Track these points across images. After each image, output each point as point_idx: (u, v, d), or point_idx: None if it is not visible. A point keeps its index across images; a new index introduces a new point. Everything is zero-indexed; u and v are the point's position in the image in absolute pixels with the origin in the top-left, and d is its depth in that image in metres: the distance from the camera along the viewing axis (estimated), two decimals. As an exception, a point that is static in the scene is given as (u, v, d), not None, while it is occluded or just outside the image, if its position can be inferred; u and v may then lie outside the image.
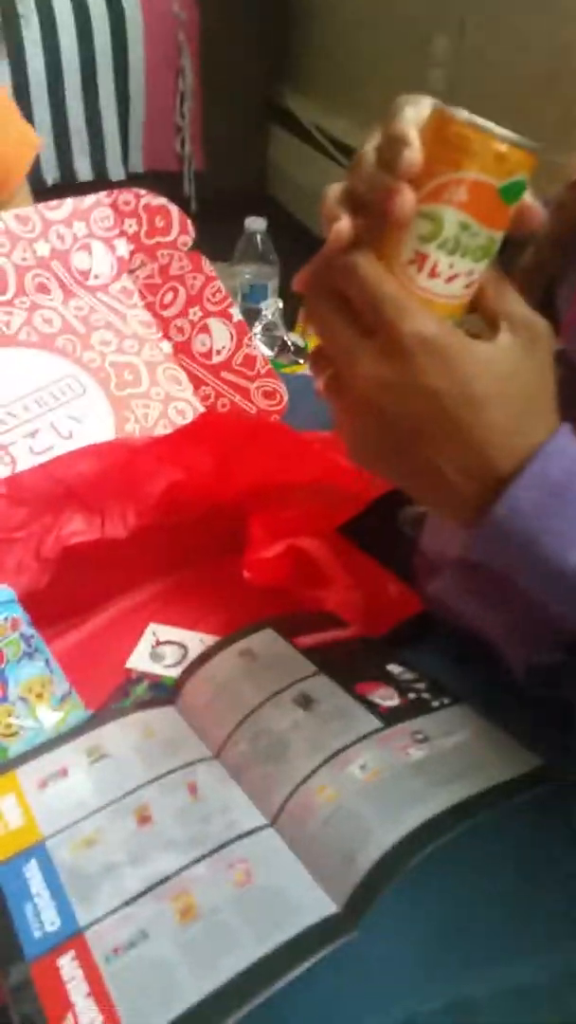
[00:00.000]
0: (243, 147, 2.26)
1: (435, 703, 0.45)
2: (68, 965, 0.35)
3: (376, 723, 0.43)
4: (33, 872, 0.39)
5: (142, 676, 0.58)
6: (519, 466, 0.33)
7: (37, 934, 0.36)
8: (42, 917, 0.37)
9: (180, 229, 0.78)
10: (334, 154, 2.00)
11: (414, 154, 0.32)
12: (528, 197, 0.34)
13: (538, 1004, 0.37)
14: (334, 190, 0.34)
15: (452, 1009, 0.36)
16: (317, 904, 0.36)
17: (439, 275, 0.33)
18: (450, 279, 0.33)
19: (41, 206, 0.78)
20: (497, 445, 0.33)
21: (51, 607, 0.59)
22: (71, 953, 0.35)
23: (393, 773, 0.40)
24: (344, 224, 0.33)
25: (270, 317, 1.15)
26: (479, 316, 0.35)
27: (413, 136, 0.32)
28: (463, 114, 0.32)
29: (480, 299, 0.35)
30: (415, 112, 0.33)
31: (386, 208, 0.32)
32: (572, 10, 1.30)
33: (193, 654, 0.57)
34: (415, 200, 0.32)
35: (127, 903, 0.37)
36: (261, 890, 0.37)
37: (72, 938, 0.36)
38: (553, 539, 0.33)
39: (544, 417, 0.34)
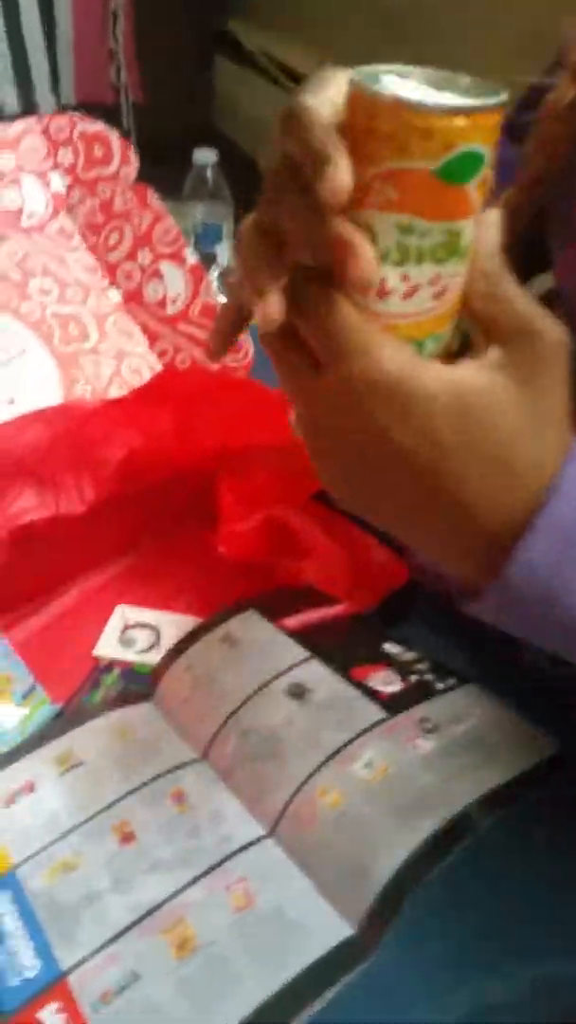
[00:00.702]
0: (185, 77, 2.10)
1: (440, 685, 0.41)
2: (51, 1018, 0.30)
3: (379, 713, 0.39)
4: (4, 906, 0.35)
5: (112, 664, 0.53)
6: (525, 514, 0.26)
7: (14, 982, 0.32)
8: (18, 961, 0.33)
9: (121, 159, 0.70)
10: (285, 83, 1.87)
11: (342, 176, 0.24)
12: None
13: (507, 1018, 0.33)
14: (250, 241, 0.27)
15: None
16: (329, 927, 0.32)
17: (391, 292, 0.26)
18: (409, 294, 0.26)
19: (-39, 137, 0.68)
20: (482, 501, 0.27)
21: (5, 593, 0.54)
22: (54, 1004, 0.31)
23: (401, 770, 0.36)
24: (274, 307, 0.26)
25: (227, 262, 1.07)
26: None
27: (336, 149, 0.24)
28: (374, 87, 0.24)
29: (466, 303, 0.27)
30: (327, 102, 0.24)
31: (342, 277, 0.25)
32: None
33: (166, 636, 0.52)
34: (372, 255, 0.25)
35: (114, 939, 0.33)
36: (264, 914, 0.33)
37: (54, 984, 0.32)
38: (573, 595, 0.27)
39: (554, 447, 0.27)
